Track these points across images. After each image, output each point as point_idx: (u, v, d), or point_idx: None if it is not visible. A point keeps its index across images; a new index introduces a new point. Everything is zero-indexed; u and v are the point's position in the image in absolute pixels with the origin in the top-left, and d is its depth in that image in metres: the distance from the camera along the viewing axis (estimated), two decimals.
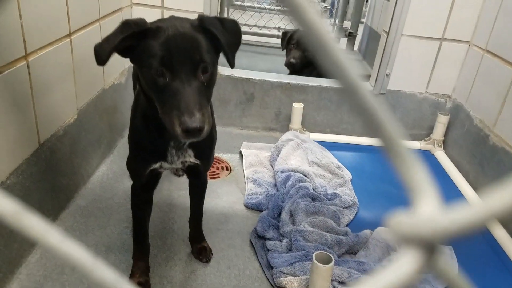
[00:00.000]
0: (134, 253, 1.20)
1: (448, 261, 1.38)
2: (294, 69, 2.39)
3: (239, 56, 0.95)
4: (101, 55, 0.85)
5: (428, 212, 0.18)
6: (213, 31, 0.88)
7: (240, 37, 0.95)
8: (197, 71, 0.85)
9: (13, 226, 0.16)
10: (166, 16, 1.89)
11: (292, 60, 2.35)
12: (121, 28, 0.86)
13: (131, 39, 0.86)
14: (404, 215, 0.18)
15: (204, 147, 1.10)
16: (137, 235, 1.19)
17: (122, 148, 1.83)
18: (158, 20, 0.92)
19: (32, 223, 0.15)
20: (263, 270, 1.29)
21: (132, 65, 1.00)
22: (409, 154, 0.19)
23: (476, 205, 0.16)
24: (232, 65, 0.94)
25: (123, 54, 0.90)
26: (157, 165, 1.06)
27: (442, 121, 2.03)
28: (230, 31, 0.91)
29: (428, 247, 0.17)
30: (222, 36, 0.88)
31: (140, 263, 1.19)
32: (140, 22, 0.88)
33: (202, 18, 0.90)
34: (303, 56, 2.35)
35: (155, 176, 1.12)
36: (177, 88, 0.83)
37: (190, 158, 1.07)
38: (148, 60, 0.85)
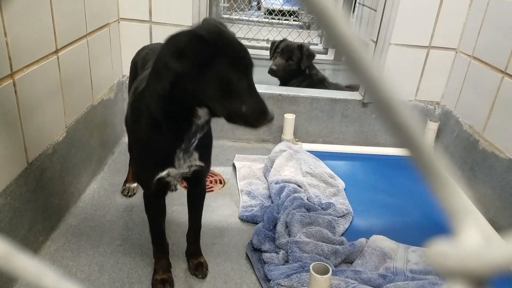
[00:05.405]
0: (155, 253, 1.25)
1: None
2: (277, 76, 2.42)
3: None
4: None
5: (474, 243, 0.17)
6: None
7: None
8: None
9: (3, 269, 0.15)
10: (154, 30, 1.91)
11: (273, 67, 2.38)
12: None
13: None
14: (446, 245, 0.17)
15: (206, 147, 1.15)
16: (155, 237, 1.24)
17: (113, 164, 1.81)
18: None
19: (25, 265, 0.14)
20: (260, 283, 1.27)
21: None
22: (450, 178, 0.18)
23: None
24: None
25: None
26: (164, 173, 1.08)
27: (431, 127, 2.04)
28: None
29: (477, 281, 0.16)
30: None
31: (161, 261, 1.24)
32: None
33: None
34: (286, 65, 2.39)
35: (164, 185, 1.14)
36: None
37: (196, 161, 1.10)
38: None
